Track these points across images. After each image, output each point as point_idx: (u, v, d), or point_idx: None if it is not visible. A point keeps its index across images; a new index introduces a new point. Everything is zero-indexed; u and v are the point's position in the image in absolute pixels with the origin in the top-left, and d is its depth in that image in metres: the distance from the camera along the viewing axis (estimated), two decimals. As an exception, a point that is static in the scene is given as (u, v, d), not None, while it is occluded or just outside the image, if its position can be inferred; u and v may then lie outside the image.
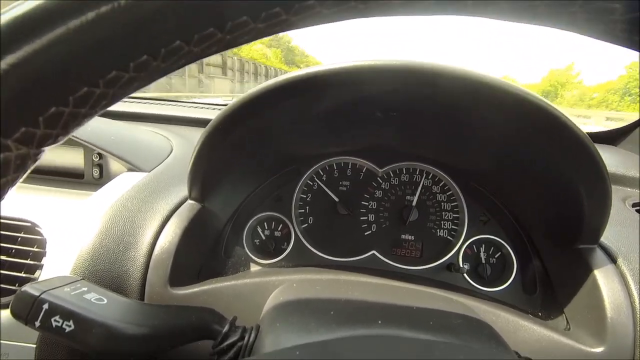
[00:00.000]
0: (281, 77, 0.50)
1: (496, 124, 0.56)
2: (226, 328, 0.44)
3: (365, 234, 0.80)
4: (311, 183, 0.83)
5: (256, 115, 0.56)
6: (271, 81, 0.51)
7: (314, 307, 0.44)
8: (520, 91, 0.46)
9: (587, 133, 0.48)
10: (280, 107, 0.56)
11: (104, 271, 0.58)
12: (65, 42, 0.18)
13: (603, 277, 0.54)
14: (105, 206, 0.64)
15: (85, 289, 0.38)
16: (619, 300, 0.52)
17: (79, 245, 0.59)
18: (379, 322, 0.39)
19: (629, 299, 0.52)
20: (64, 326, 0.33)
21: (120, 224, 0.62)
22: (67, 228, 0.63)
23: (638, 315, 0.51)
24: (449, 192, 0.79)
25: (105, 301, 0.37)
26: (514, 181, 0.70)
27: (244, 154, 0.69)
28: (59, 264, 0.59)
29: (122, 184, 0.70)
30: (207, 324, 0.43)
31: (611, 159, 0.98)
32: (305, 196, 0.83)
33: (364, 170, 0.83)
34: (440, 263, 0.75)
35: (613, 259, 0.57)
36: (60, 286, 0.36)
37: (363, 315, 0.41)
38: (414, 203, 0.79)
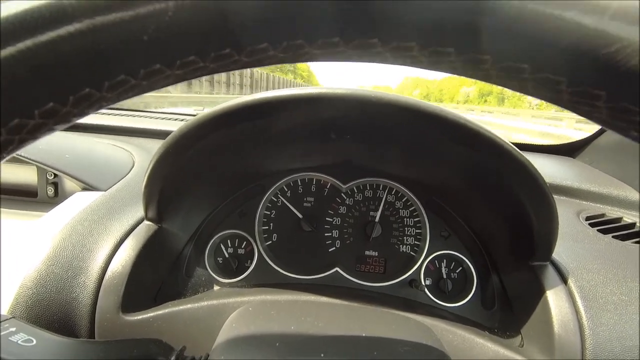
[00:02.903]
0: (233, 102, 0.49)
1: (445, 145, 0.57)
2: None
3: (329, 250, 0.80)
4: (275, 199, 0.83)
5: (213, 135, 0.55)
6: (224, 105, 0.50)
7: (263, 338, 0.43)
8: (456, 117, 0.47)
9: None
10: (237, 128, 0.55)
11: (49, 300, 0.55)
12: None
13: (553, 295, 0.56)
14: (54, 230, 0.61)
15: (14, 329, 0.36)
16: (566, 317, 0.53)
17: (22, 273, 0.56)
18: (322, 355, 0.38)
19: (576, 315, 0.54)
20: (-15, 372, 0.32)
21: (69, 248, 0.59)
22: (12, 254, 0.60)
23: (585, 332, 0.52)
24: (412, 208, 0.80)
25: (35, 342, 0.35)
26: (471, 197, 0.71)
27: (204, 171, 0.68)
28: (1, 294, 0.56)
29: (74, 205, 0.68)
30: (151, 356, 0.42)
31: (568, 171, 1.01)
32: (269, 213, 0.82)
33: (328, 186, 0.83)
34: (403, 279, 0.76)
35: (563, 276, 0.59)
36: (-15, 327, 0.34)
37: (308, 347, 0.41)
38: (377, 219, 0.80)
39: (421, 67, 0.21)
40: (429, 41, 0.18)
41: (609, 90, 0.17)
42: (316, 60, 0.21)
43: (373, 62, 0.21)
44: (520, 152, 0.50)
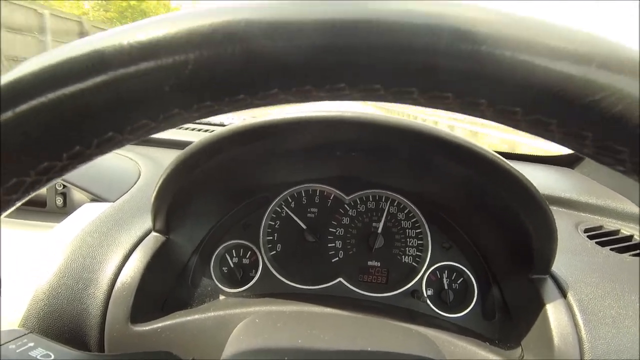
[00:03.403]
0: (247, 122, 0.51)
1: (443, 162, 0.59)
2: None
3: (333, 260, 0.81)
4: (279, 210, 0.84)
5: (225, 153, 0.57)
6: (238, 124, 0.52)
7: (270, 350, 0.45)
8: (450, 137, 0.49)
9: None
10: (248, 146, 0.57)
11: (61, 311, 0.57)
12: None
13: (552, 308, 0.57)
14: (64, 241, 0.63)
15: (32, 344, 0.37)
16: (566, 330, 0.55)
17: (34, 286, 0.57)
18: None
19: (575, 329, 0.55)
20: (7, 387, 0.33)
21: (79, 260, 0.61)
22: (24, 266, 0.61)
23: (584, 346, 0.54)
24: (414, 219, 0.81)
25: (53, 357, 0.36)
26: (470, 211, 0.72)
27: (212, 184, 0.69)
28: (14, 306, 0.57)
29: (84, 217, 0.69)
30: (163, 369, 0.43)
31: (567, 182, 1.03)
32: (273, 223, 0.84)
33: (331, 198, 0.84)
34: (405, 289, 0.77)
35: (562, 289, 0.60)
36: (5, 343, 0.36)
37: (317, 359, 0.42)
38: (379, 230, 0.81)
39: (420, 106, 0.23)
40: (428, 87, 0.20)
41: (595, 132, 0.19)
42: (323, 101, 0.23)
43: (376, 101, 0.23)
44: (512, 165, 0.51)
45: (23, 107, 0.19)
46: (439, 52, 0.18)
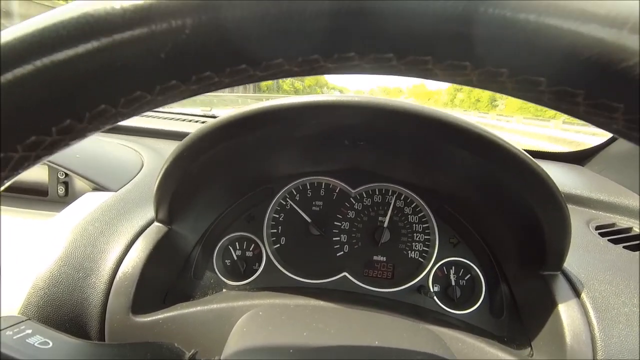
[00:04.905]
0: (249, 107, 0.49)
1: (458, 155, 0.57)
2: None
3: (337, 254, 0.80)
4: (284, 203, 0.83)
5: (227, 141, 0.55)
6: (240, 110, 0.50)
7: (275, 343, 0.43)
8: (473, 127, 0.47)
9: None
10: (251, 134, 0.55)
11: (61, 300, 0.56)
12: None
13: (564, 305, 0.56)
14: (65, 230, 0.61)
15: (30, 331, 0.36)
16: (578, 328, 0.53)
17: (34, 274, 0.56)
18: None
19: (589, 327, 0.53)
20: (3, 374, 0.32)
21: (80, 249, 0.60)
22: (24, 254, 0.60)
23: (597, 344, 0.52)
24: (421, 214, 0.80)
25: (51, 344, 0.35)
26: (481, 205, 0.71)
27: (215, 174, 0.68)
28: (13, 294, 0.56)
29: (85, 206, 0.68)
30: (164, 360, 0.42)
31: (577, 179, 1.01)
32: (277, 216, 0.82)
33: (337, 191, 0.83)
34: (411, 285, 0.76)
35: (574, 286, 0.59)
36: (3, 329, 0.35)
37: (322, 354, 0.41)
38: (385, 224, 0.79)
39: (436, 80, 0.21)
40: (445, 55, 0.18)
41: (626, 103, 0.17)
42: (331, 73, 0.21)
43: (388, 74, 0.21)
44: (535, 160, 0.49)
45: (7, 75, 0.17)
46: (456, 16, 0.17)
